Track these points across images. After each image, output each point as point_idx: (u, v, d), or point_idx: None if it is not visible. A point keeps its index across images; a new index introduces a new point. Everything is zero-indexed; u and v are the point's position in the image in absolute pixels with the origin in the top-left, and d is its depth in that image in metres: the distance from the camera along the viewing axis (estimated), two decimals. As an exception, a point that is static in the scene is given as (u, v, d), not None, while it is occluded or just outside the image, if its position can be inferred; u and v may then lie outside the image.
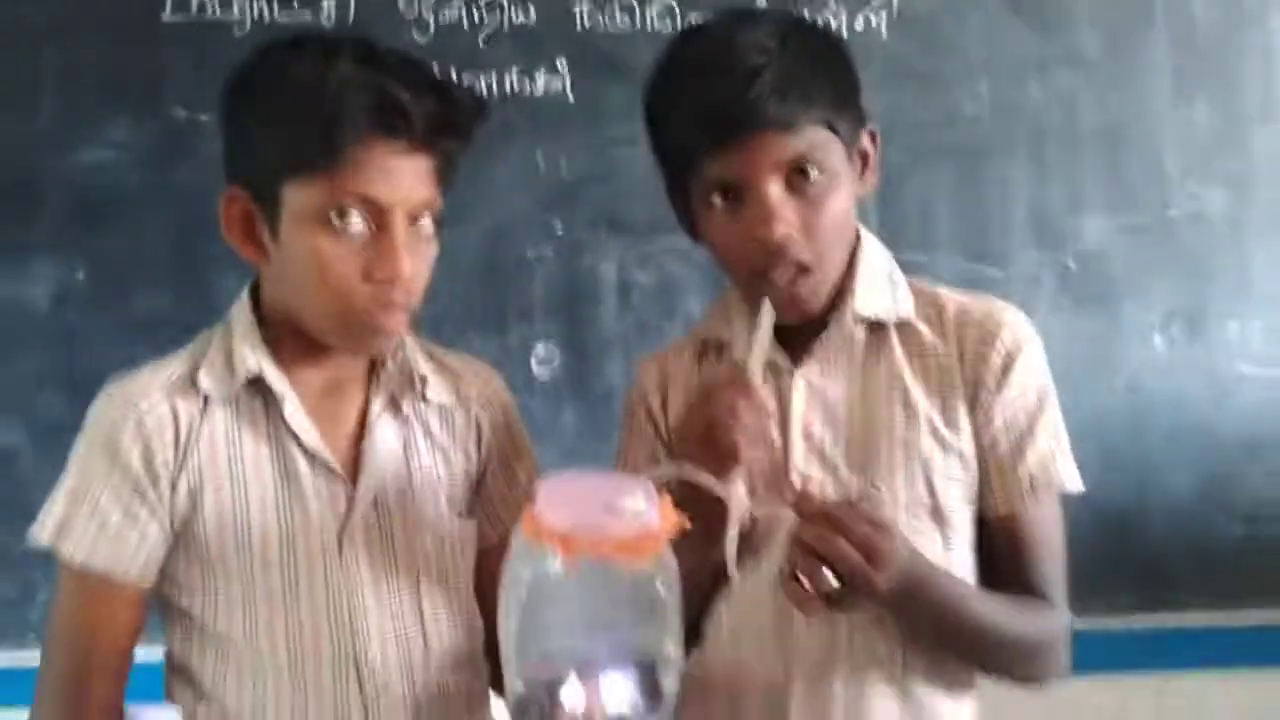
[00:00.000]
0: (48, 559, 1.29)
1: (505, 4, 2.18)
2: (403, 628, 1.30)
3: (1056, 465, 1.33)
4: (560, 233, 2.20)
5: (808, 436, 1.33)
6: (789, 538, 1.16)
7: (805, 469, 1.32)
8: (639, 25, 2.18)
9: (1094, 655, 2.15)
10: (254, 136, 1.24)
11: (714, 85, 1.24)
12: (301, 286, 1.25)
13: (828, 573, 1.14)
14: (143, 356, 1.32)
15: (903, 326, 1.35)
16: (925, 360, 1.34)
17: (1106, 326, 2.23)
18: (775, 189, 1.25)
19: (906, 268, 1.41)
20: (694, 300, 2.15)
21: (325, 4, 2.15)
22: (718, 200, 1.28)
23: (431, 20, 2.16)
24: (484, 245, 2.18)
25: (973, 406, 1.33)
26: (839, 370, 1.34)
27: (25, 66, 2.11)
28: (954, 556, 1.32)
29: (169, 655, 1.32)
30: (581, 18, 2.18)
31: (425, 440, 1.36)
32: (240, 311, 1.31)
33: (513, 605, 1.15)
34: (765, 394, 1.26)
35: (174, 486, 1.26)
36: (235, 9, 2.14)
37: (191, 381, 1.28)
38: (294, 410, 1.28)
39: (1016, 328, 1.34)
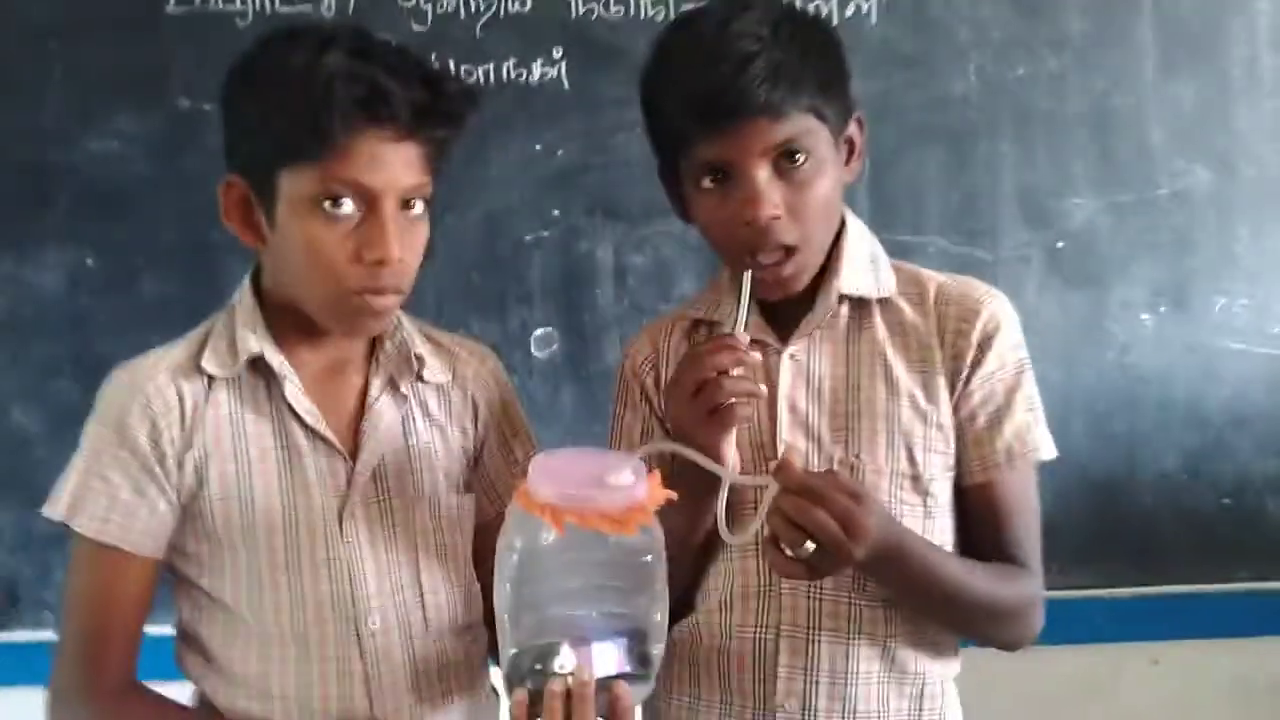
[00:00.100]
0: (62, 541, 1.32)
1: (501, -7, 2.20)
2: (402, 599, 1.33)
3: (1033, 434, 1.37)
4: (557, 218, 2.21)
5: (793, 410, 1.36)
6: (770, 507, 1.19)
7: (791, 441, 1.35)
8: (633, 13, 2.18)
9: (1085, 624, 2.23)
10: (251, 126, 1.26)
11: (706, 72, 1.26)
12: (297, 270, 1.27)
13: (808, 542, 1.17)
14: (152, 341, 1.35)
15: (885, 304, 1.38)
16: (907, 337, 1.37)
17: (1095, 304, 2.24)
18: (763, 173, 1.28)
19: (897, 248, 1.44)
20: (688, 283, 2.17)
21: (325, -5, 2.17)
22: (708, 183, 1.31)
23: (429, 10, 2.17)
24: (483, 231, 2.20)
25: (952, 381, 1.36)
26: (823, 346, 1.38)
27: (34, 61, 2.13)
28: (935, 525, 1.35)
29: (179, 625, 1.36)
30: (576, 6, 2.18)
31: (423, 418, 1.38)
32: (242, 296, 1.34)
33: (507, 575, 1.18)
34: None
35: (180, 464, 1.29)
36: (238, 1, 2.15)
37: (196, 364, 1.31)
38: (295, 390, 1.31)
39: (995, 305, 1.37)
